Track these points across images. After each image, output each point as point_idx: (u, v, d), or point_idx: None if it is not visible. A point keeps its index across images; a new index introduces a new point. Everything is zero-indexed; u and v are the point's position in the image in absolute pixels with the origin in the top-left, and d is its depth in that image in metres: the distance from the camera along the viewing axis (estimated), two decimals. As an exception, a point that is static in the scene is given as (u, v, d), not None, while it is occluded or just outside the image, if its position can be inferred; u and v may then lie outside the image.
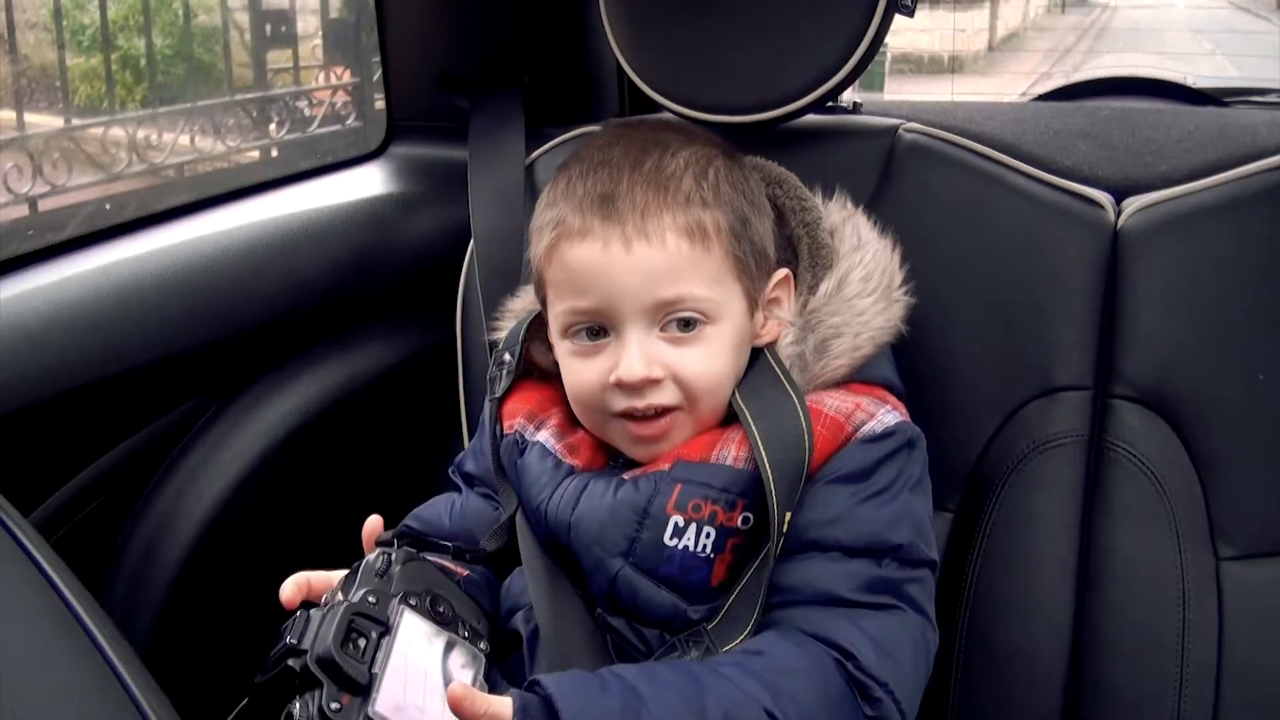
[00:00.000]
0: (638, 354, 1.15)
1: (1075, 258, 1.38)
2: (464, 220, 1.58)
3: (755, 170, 1.31)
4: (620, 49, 1.49)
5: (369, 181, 1.77)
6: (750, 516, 1.14)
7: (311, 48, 4.22)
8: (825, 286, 1.25)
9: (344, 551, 1.55)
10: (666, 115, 1.51)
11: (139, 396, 1.41)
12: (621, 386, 1.16)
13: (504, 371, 1.29)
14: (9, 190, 2.77)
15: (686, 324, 1.17)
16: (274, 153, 3.89)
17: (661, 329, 1.16)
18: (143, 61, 3.56)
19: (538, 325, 1.29)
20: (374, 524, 1.21)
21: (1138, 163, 1.51)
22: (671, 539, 1.14)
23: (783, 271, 1.25)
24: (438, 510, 1.36)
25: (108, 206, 3.22)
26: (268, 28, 4.13)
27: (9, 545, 0.61)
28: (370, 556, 1.11)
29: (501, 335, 1.34)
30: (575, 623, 1.18)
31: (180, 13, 3.70)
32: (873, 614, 1.14)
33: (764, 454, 1.13)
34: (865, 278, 1.26)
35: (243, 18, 4.03)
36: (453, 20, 1.80)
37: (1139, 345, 1.35)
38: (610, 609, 1.17)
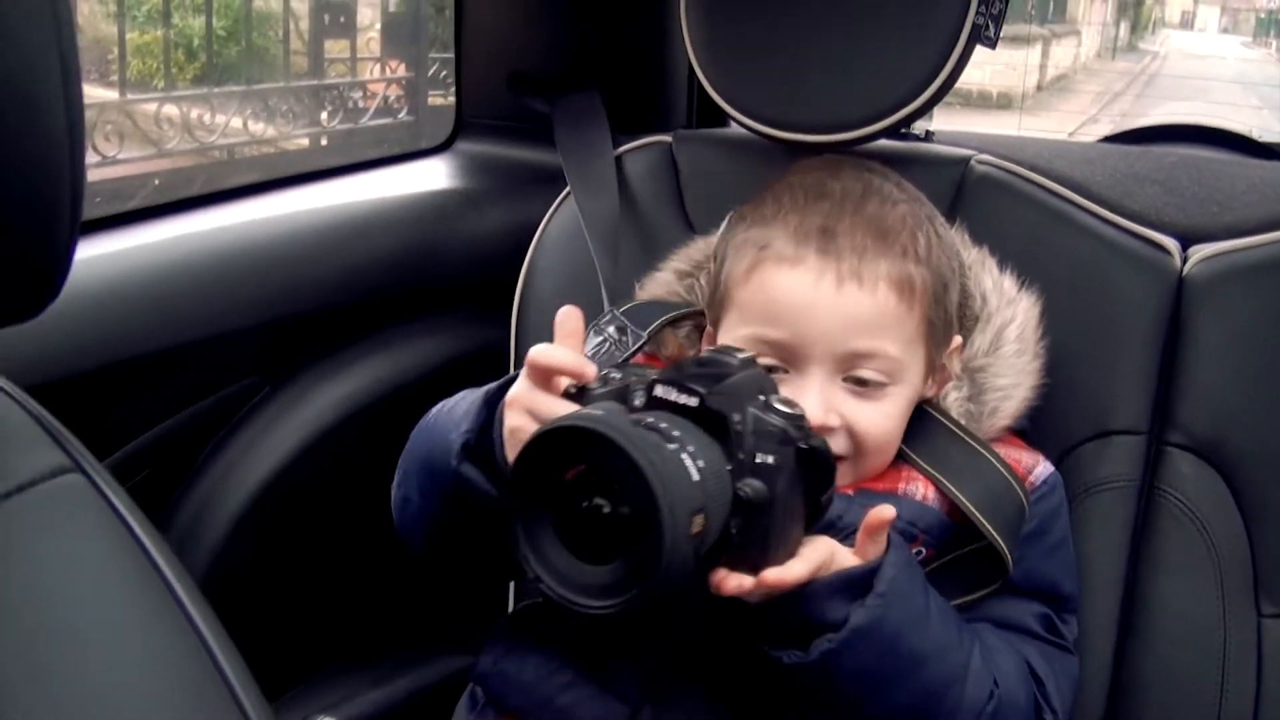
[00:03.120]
0: (818, 400, 1.12)
1: (1139, 301, 1.37)
2: (526, 220, 1.58)
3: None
4: (696, 59, 1.48)
5: (434, 175, 1.78)
6: (923, 551, 1.16)
7: (367, 40, 4.24)
8: (980, 341, 1.25)
9: (383, 540, 1.55)
10: (738, 130, 1.51)
11: (195, 371, 1.41)
12: None
13: (622, 346, 1.25)
14: (59, 158, 2.78)
15: (869, 379, 1.15)
16: (323, 141, 3.91)
17: (844, 378, 1.14)
18: (196, 41, 3.58)
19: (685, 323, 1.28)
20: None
21: (1204, 211, 1.50)
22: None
23: (959, 339, 1.24)
24: None
25: (156, 182, 3.24)
26: (326, 17, 4.15)
27: (103, 508, 0.61)
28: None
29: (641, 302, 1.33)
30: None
31: (239, -5, 3.73)
32: (1050, 648, 1.21)
33: (982, 518, 1.14)
34: (1020, 336, 1.27)
35: (301, 5, 4.05)
36: (529, 21, 1.81)
37: (1197, 394, 1.35)
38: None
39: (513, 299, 1.55)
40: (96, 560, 0.59)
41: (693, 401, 0.96)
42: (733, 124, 1.52)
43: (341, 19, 4.21)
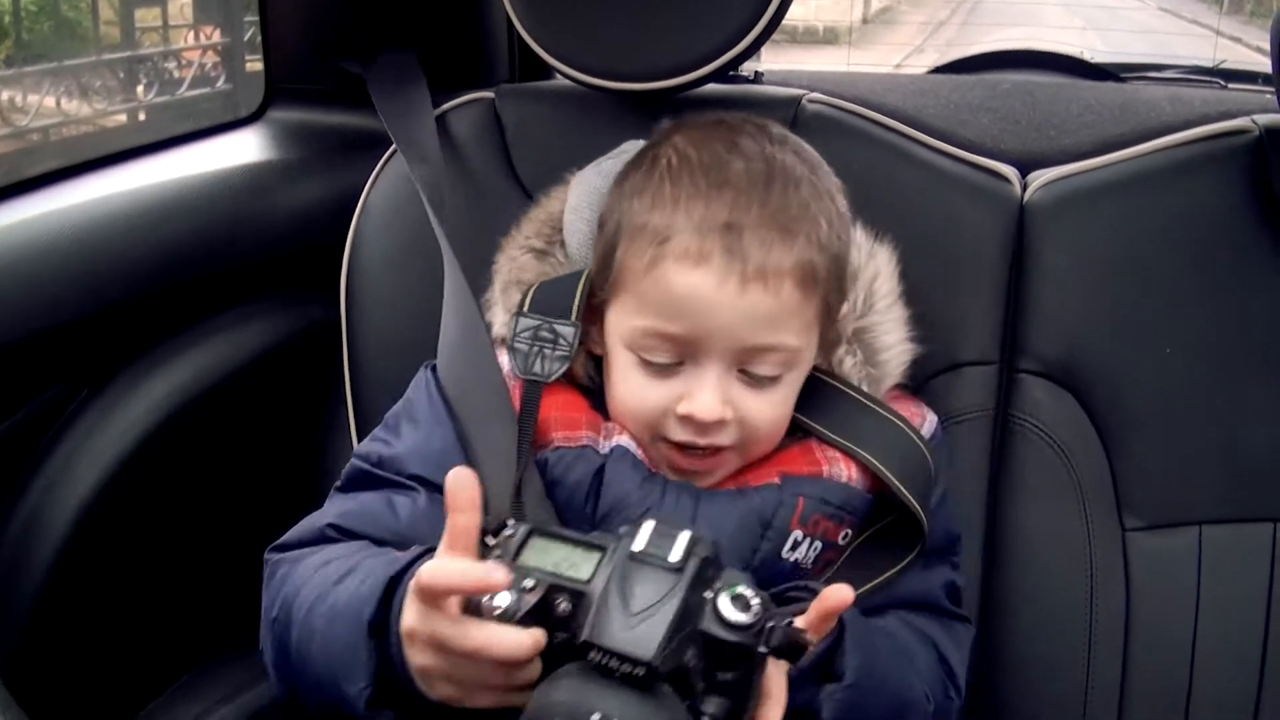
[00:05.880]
0: (714, 395, 1.10)
1: (981, 231, 1.37)
2: (348, 189, 1.51)
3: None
4: (514, 9, 1.43)
5: (246, 147, 1.67)
6: (850, 533, 1.17)
7: (180, 6, 4.09)
8: (855, 298, 1.22)
9: (225, 544, 1.47)
10: (563, 82, 1.45)
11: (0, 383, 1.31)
12: (690, 421, 1.11)
13: (550, 355, 1.17)
14: None
15: (766, 374, 1.12)
16: (141, 116, 3.77)
17: (740, 370, 1.11)
18: (6, 18, 3.42)
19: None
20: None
21: (1040, 136, 1.52)
22: (788, 552, 1.14)
23: (846, 306, 1.21)
24: (372, 514, 1.17)
25: (-31, 171, 3.09)
26: (136, -17, 4.00)
27: None
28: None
29: (498, 307, 1.24)
30: None
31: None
32: (954, 623, 1.24)
33: (906, 492, 1.16)
34: (890, 290, 1.25)
35: (111, -27, 3.89)
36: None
37: (1045, 319, 1.35)
38: None
39: (339, 273, 1.48)
40: None
41: (639, 671, 0.87)
42: (558, 75, 1.46)
43: (152, -15, 4.06)
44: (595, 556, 0.93)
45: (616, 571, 0.90)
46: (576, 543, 0.94)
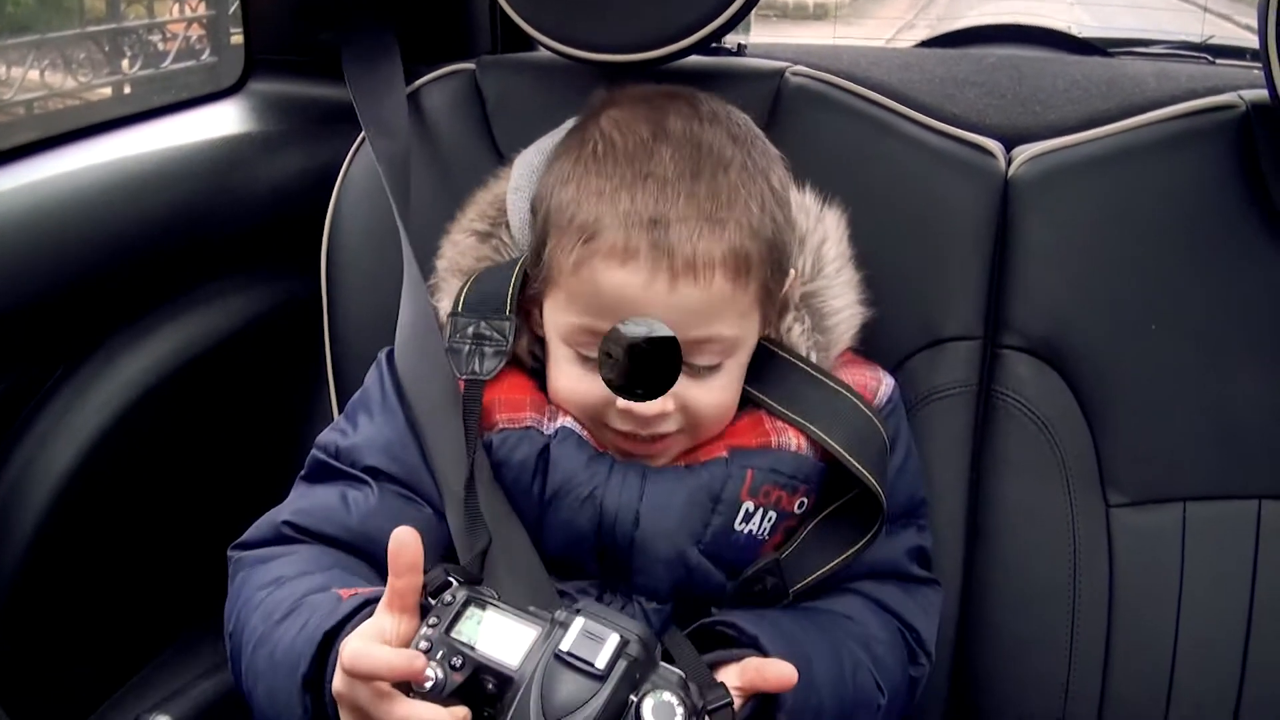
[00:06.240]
0: None
1: (965, 206, 1.36)
2: (328, 161, 1.50)
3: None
4: (496, -19, 1.41)
5: (225, 119, 1.66)
6: (806, 501, 1.17)
7: (165, -24, 4.06)
8: (802, 265, 1.22)
9: (204, 520, 1.47)
10: (545, 54, 1.44)
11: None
12: (630, 414, 1.10)
13: (489, 353, 1.17)
14: None
15: (704, 365, 1.12)
16: (126, 89, 3.74)
17: None
18: (-9, -12, 3.39)
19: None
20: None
21: (1026, 111, 1.51)
22: (741, 524, 1.15)
23: (793, 274, 1.20)
24: (327, 511, 1.18)
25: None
26: (119, -46, 3.95)
27: None
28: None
29: (443, 294, 1.25)
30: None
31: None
32: (920, 588, 1.26)
33: (858, 465, 1.15)
34: (839, 253, 1.24)
35: (94, -57, 3.86)
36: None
37: (1029, 295, 1.35)
38: (664, 597, 1.14)
39: (320, 247, 1.47)
40: None
41: None
42: (539, 47, 1.45)
43: (136, -45, 4.02)
44: (531, 635, 0.94)
45: (540, 668, 0.91)
46: (514, 616, 0.96)
